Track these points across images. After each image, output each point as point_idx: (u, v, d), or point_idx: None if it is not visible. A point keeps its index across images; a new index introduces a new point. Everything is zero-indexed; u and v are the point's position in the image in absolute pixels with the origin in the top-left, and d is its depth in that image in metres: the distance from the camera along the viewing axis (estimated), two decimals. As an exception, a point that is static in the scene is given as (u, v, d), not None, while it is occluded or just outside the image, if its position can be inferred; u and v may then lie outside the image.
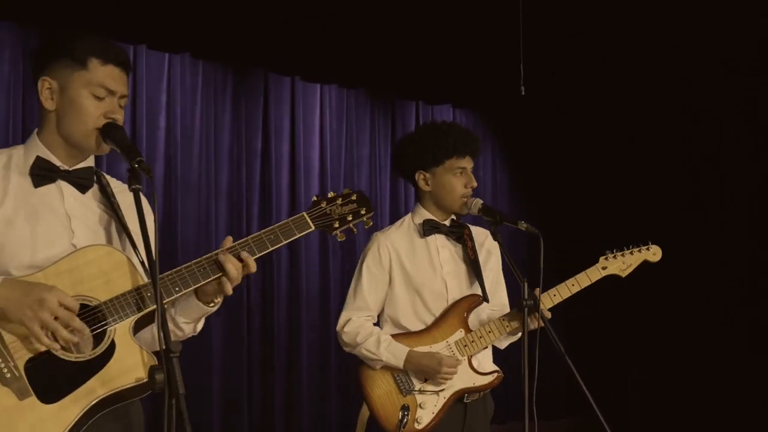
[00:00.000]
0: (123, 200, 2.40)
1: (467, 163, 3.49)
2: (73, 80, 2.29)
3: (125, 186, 2.35)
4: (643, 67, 6.69)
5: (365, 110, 6.81)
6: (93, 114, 2.29)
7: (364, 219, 2.48)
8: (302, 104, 6.36)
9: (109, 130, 2.27)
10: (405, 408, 3.13)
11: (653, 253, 3.54)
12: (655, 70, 6.69)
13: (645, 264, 3.54)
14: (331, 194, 2.47)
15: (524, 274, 3.19)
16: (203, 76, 5.86)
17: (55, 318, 2.06)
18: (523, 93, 5.10)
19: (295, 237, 2.38)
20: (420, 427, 3.31)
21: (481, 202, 3.41)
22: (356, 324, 3.43)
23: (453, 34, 6.14)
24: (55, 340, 2.09)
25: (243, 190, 6.03)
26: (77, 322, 2.09)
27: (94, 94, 2.29)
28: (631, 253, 3.52)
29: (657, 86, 6.84)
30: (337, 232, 2.45)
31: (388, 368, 3.37)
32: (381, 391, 3.36)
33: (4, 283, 2.09)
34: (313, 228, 2.41)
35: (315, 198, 2.45)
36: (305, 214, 2.41)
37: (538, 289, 3.23)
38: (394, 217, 6.38)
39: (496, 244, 3.55)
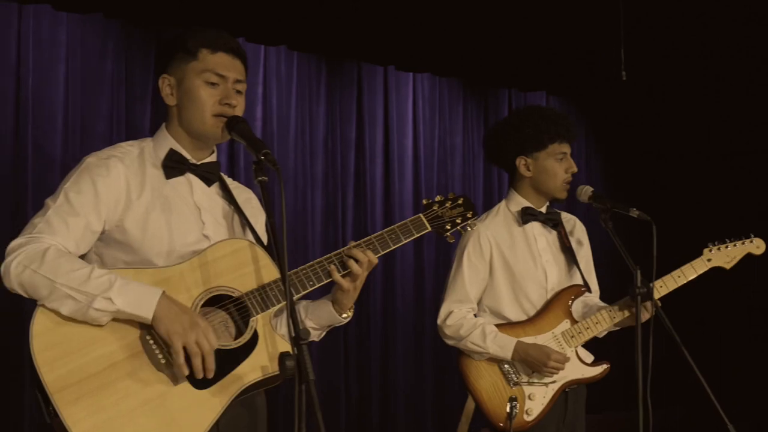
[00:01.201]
0: (238, 195, 2.49)
1: (568, 149, 3.45)
2: (187, 72, 2.38)
3: (238, 184, 2.50)
4: (749, 53, 6.47)
5: (458, 98, 6.79)
6: (208, 101, 2.36)
7: (471, 222, 2.60)
8: (395, 94, 6.39)
9: (234, 123, 2.34)
10: (513, 399, 3.10)
11: (756, 246, 3.49)
12: (762, 55, 6.46)
13: (747, 256, 3.49)
14: (439, 197, 2.59)
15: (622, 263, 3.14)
16: (298, 68, 5.93)
17: (198, 345, 2.14)
18: (624, 78, 4.99)
19: (413, 237, 2.49)
20: (530, 419, 3.28)
21: (592, 189, 3.36)
22: (458, 316, 3.39)
23: (547, 19, 6.07)
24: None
25: (338, 180, 6.08)
26: (211, 360, 2.15)
27: (207, 81, 2.36)
28: (734, 245, 3.47)
29: (764, 72, 6.61)
30: (448, 234, 2.58)
31: (493, 359, 3.34)
32: (487, 383, 3.32)
33: (165, 297, 2.17)
34: (430, 229, 2.53)
35: (426, 201, 2.57)
36: (422, 216, 2.53)
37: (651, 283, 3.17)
38: (488, 206, 6.33)
39: (584, 231, 3.54)
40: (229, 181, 2.53)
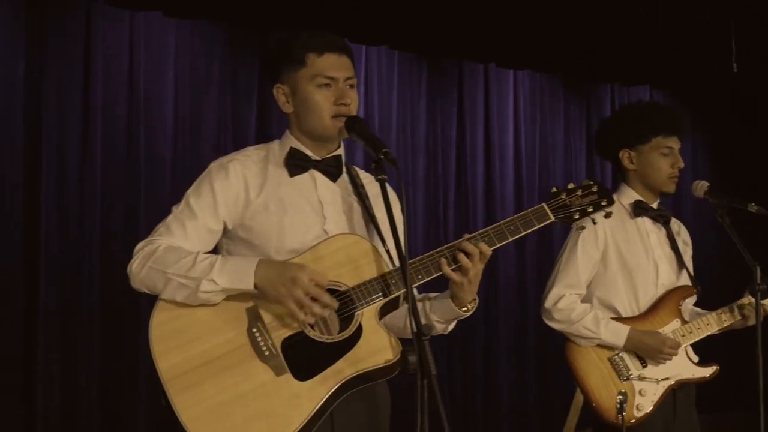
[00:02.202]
0: (370, 191, 2.52)
1: (675, 143, 3.37)
2: (299, 80, 2.43)
3: (372, 177, 2.47)
4: None
5: (559, 95, 6.71)
6: (324, 105, 2.40)
7: (605, 210, 2.48)
8: (496, 91, 6.36)
9: (352, 124, 2.39)
10: (623, 394, 3.06)
11: None
12: None
13: None
14: (570, 185, 2.49)
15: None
16: (399, 67, 5.96)
17: (308, 295, 2.20)
18: (735, 70, 4.84)
19: (534, 228, 2.42)
20: (640, 414, 3.23)
21: (708, 184, 3.28)
22: (570, 300, 3.32)
23: (650, 9, 5.93)
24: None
25: (439, 179, 6.09)
26: (326, 297, 2.22)
27: (319, 85, 2.40)
28: None
29: None
30: (578, 222, 2.47)
31: (604, 353, 3.29)
32: (596, 376, 3.27)
33: (260, 263, 2.26)
34: (553, 219, 2.44)
35: (554, 189, 2.48)
36: (545, 206, 2.45)
37: None
38: (591, 203, 6.25)
39: (689, 236, 3.48)
40: (362, 174, 2.57)
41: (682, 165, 3.36)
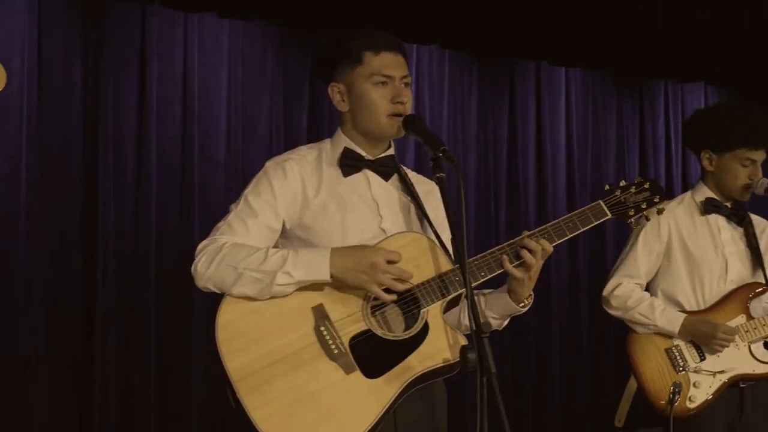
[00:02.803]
0: (419, 189, 2.53)
1: (759, 156, 3.37)
2: (355, 78, 2.44)
3: (421, 177, 2.55)
4: None
5: (611, 92, 6.64)
6: (381, 103, 2.42)
7: (658, 206, 2.50)
8: (548, 89, 6.32)
9: (410, 122, 2.40)
10: (677, 385, 3.07)
11: None
12: None
13: None
14: (623, 183, 2.52)
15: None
16: (450, 66, 5.95)
17: (387, 275, 2.24)
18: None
19: (592, 225, 2.44)
20: (692, 406, 3.22)
21: None
22: (627, 288, 3.37)
23: (703, 5, 5.85)
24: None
25: (490, 178, 6.07)
26: (406, 273, 2.26)
27: (376, 83, 2.42)
28: None
29: None
30: (632, 219, 2.50)
31: (662, 343, 3.29)
32: (652, 366, 3.29)
33: (334, 253, 2.27)
34: (610, 216, 2.47)
35: (608, 187, 2.51)
36: (602, 203, 2.47)
37: None
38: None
39: None
40: (410, 174, 2.58)
41: (760, 176, 3.36)
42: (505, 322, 2.51)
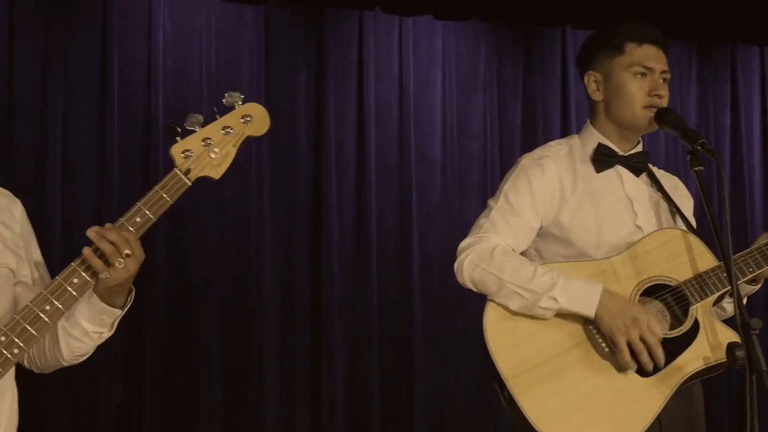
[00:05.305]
0: (665, 183, 2.52)
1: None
2: (614, 67, 2.45)
3: (665, 172, 2.55)
4: None
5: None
6: (638, 94, 2.42)
7: None
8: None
9: (663, 114, 2.39)
10: None
11: None
12: None
13: None
14: None
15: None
16: (668, 55, 5.73)
17: (641, 339, 2.21)
18: None
19: None
20: None
21: None
22: None
23: None
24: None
25: (712, 170, 5.81)
26: (660, 352, 2.22)
27: (635, 74, 2.42)
28: None
29: None
30: None
31: None
32: None
33: (605, 292, 2.27)
34: None
35: None
36: None
37: None
38: None
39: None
40: (654, 169, 2.55)
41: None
42: None
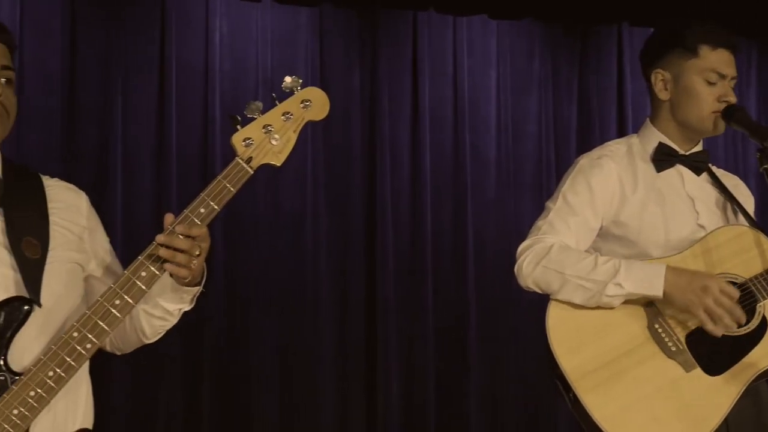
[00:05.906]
0: (726, 182, 2.49)
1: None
2: (686, 69, 2.41)
3: (724, 171, 2.52)
4: None
5: None
6: (708, 99, 2.39)
7: None
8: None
9: (731, 112, 2.36)
10: None
11: None
12: None
13: None
14: None
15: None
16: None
17: (718, 304, 2.18)
18: None
19: None
20: None
21: None
22: None
23: None
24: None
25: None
26: (738, 310, 2.19)
27: (707, 79, 2.39)
28: None
29: None
30: None
31: None
32: None
33: (669, 270, 2.25)
34: None
35: None
36: None
37: None
38: None
39: None
40: (714, 168, 2.53)
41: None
42: None
